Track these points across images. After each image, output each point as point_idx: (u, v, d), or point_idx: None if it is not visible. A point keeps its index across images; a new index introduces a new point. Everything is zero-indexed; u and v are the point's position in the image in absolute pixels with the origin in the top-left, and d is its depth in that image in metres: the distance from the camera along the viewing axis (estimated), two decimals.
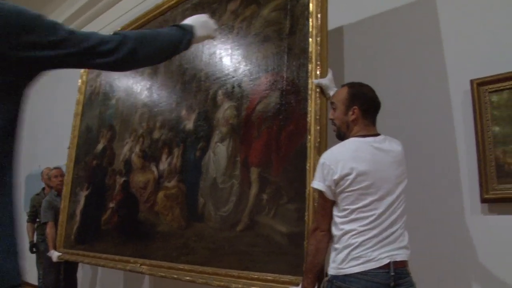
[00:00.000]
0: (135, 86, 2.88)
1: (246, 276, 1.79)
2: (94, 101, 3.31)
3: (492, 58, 1.59)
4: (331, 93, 1.66)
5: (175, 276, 2.13)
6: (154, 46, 1.22)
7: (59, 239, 3.20)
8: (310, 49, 1.75)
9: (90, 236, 2.93)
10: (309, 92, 1.72)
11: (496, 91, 1.56)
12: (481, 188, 1.56)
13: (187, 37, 1.36)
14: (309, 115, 1.69)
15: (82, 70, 3.49)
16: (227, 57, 2.19)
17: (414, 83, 1.82)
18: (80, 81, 3.50)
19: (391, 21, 1.95)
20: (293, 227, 1.68)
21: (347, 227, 1.38)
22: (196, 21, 1.45)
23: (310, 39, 1.76)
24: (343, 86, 1.60)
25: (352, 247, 1.35)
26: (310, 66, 1.74)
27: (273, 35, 1.97)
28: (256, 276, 1.75)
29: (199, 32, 1.42)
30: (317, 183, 1.45)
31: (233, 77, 2.11)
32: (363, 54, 2.02)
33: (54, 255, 3.16)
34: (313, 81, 1.71)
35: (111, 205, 2.80)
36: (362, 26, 2.04)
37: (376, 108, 1.53)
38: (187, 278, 2.06)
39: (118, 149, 2.89)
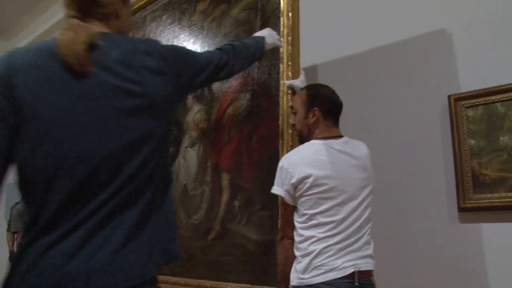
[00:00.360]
0: None
1: (219, 287, 1.72)
2: None
3: (469, 76, 1.65)
4: None
5: None
6: (245, 54, 1.41)
7: None
8: (281, 49, 1.69)
9: None
10: (281, 94, 1.65)
11: (471, 106, 1.62)
12: (458, 197, 1.60)
13: (260, 44, 1.53)
14: (281, 118, 1.63)
15: None
16: None
17: (395, 98, 1.83)
18: None
19: (372, 55, 1.94)
20: (266, 235, 1.61)
21: (306, 233, 1.30)
22: (263, 32, 1.62)
23: (282, 39, 1.70)
24: (301, 89, 1.53)
25: (313, 255, 1.26)
26: (281, 67, 1.67)
27: (244, 35, 1.89)
28: (229, 286, 1.68)
29: (267, 40, 1.57)
30: (276, 189, 1.38)
31: None
32: (341, 80, 1.98)
33: None
34: (284, 82, 1.64)
35: None
36: (337, 64, 2.03)
37: (338, 109, 1.45)
38: None
39: None
